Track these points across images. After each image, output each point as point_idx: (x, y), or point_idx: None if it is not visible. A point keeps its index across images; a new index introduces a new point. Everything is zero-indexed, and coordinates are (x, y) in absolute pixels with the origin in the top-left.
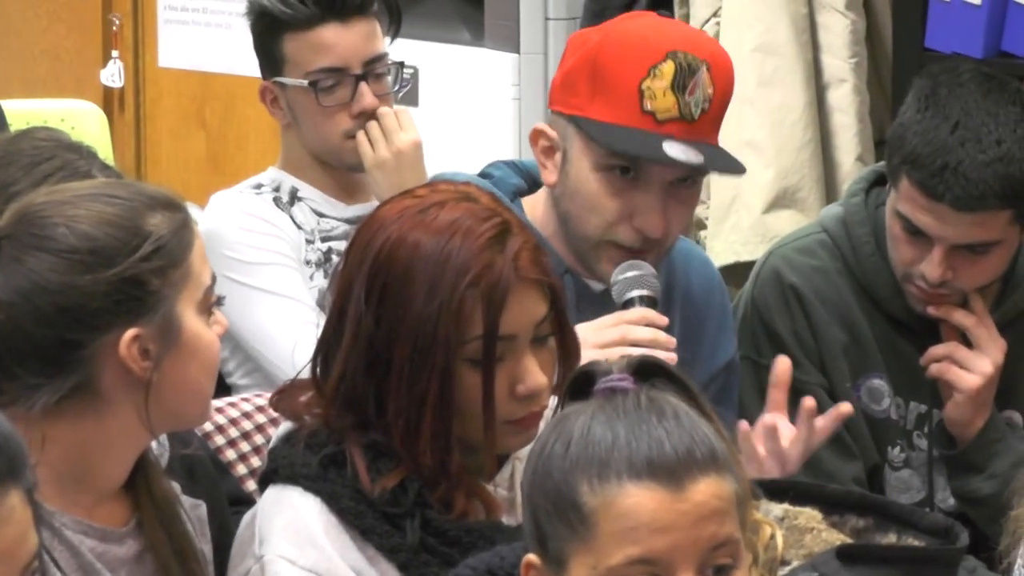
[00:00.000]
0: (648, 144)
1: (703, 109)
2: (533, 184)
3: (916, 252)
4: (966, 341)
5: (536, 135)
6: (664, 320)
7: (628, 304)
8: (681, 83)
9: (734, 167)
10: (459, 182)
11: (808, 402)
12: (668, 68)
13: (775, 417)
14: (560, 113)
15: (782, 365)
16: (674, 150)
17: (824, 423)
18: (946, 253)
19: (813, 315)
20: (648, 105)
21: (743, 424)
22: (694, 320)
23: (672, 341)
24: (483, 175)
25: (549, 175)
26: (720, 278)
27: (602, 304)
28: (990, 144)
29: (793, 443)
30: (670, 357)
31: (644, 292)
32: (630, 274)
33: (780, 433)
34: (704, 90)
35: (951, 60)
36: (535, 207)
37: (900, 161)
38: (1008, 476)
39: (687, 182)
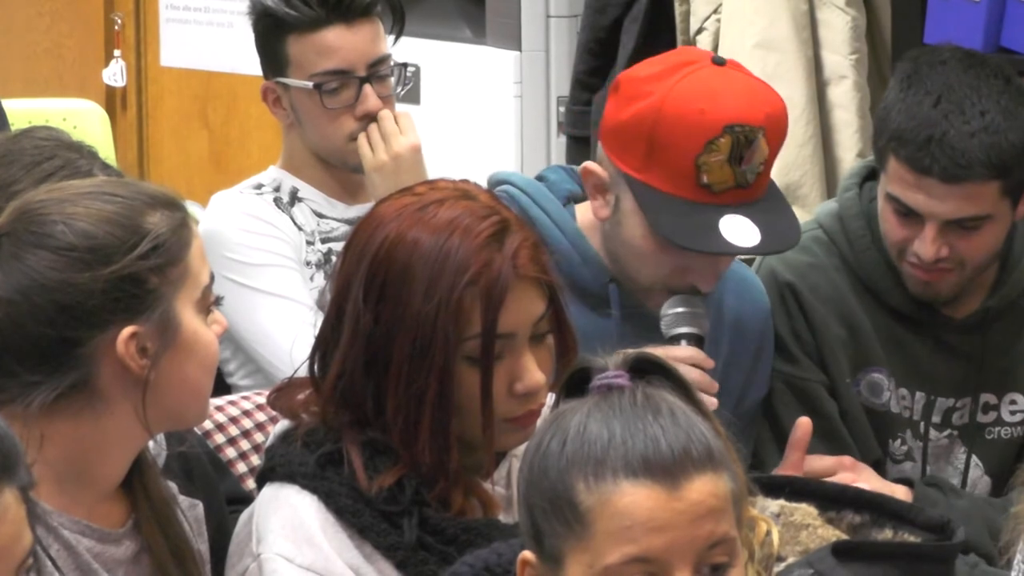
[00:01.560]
0: (704, 226)
1: (758, 172)
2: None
3: (909, 233)
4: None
5: (587, 173)
6: (711, 363)
7: (675, 339)
8: (738, 155)
9: (791, 240)
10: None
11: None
12: (725, 143)
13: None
14: (613, 163)
15: (803, 427)
16: (730, 230)
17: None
18: (938, 230)
19: (810, 312)
20: (705, 179)
21: None
22: (738, 345)
23: (715, 386)
24: (539, 178)
25: (601, 210)
26: (770, 311)
27: (648, 316)
28: (974, 115)
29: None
30: (711, 402)
31: (693, 330)
32: (681, 309)
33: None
34: (760, 155)
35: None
36: (587, 214)
37: (887, 141)
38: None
39: None
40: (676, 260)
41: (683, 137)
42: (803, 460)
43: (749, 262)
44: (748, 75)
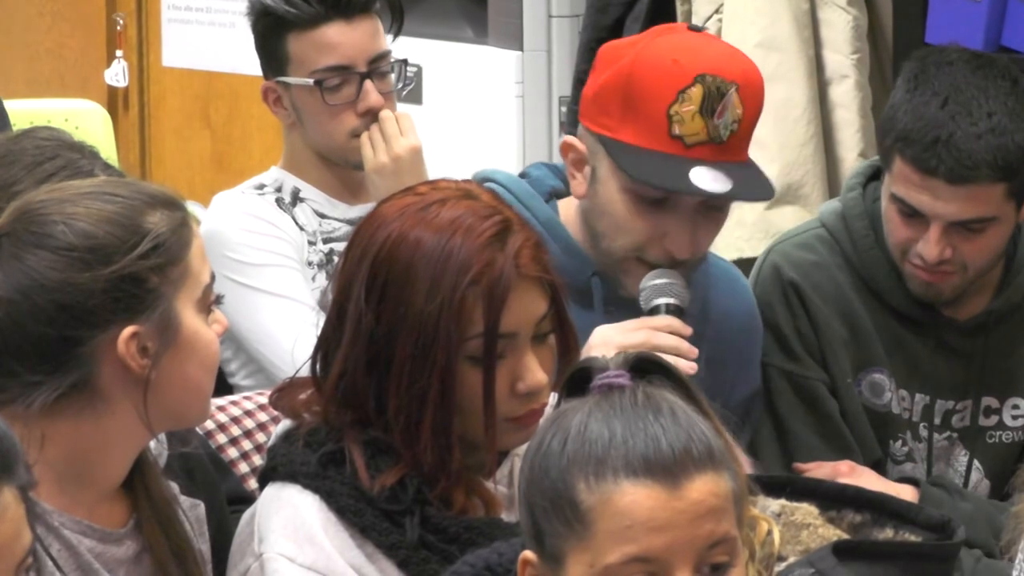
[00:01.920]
0: (676, 172)
1: (732, 130)
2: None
3: (912, 233)
4: None
5: (566, 148)
6: (688, 330)
7: (654, 311)
8: (710, 107)
9: (762, 192)
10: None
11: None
12: (696, 92)
13: None
14: (590, 130)
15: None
16: (701, 178)
17: None
18: (943, 231)
19: (813, 311)
20: (677, 130)
21: None
22: (726, 342)
23: (694, 351)
24: (521, 175)
25: (579, 187)
26: (759, 315)
27: (630, 308)
28: (981, 116)
29: None
30: (689, 367)
31: (671, 300)
32: (659, 281)
33: None
34: (733, 111)
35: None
36: (569, 209)
37: (893, 141)
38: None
39: (716, 203)
40: (652, 223)
41: (655, 87)
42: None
43: (752, 262)
44: (724, 41)
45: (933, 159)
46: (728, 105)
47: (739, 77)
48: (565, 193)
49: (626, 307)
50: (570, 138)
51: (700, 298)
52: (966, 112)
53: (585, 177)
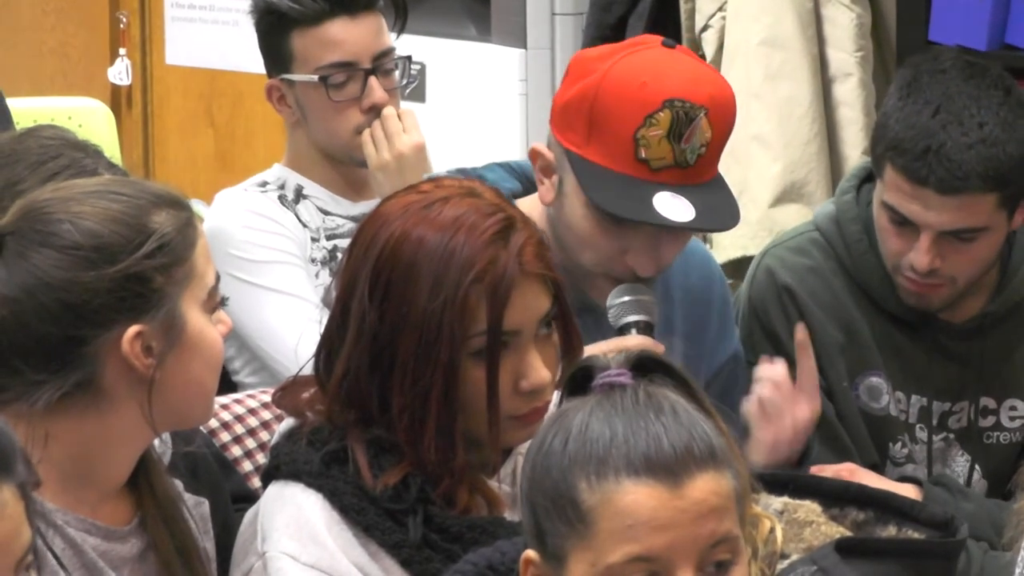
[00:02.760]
0: (639, 198)
1: (700, 154)
2: (529, 185)
3: (904, 243)
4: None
5: (534, 155)
6: (661, 347)
7: (625, 329)
8: (677, 132)
9: (726, 220)
10: (463, 177)
11: (800, 331)
12: (664, 117)
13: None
14: (558, 141)
15: (800, 330)
16: (665, 205)
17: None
18: (933, 241)
19: (808, 315)
20: (643, 153)
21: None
22: (696, 316)
23: None
24: (478, 179)
25: (546, 194)
26: (720, 271)
27: (594, 313)
28: (973, 127)
29: (805, 378)
30: None
31: (641, 318)
32: (626, 298)
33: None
34: (702, 135)
35: (933, 50)
36: (531, 211)
37: (884, 149)
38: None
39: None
40: (616, 242)
41: (623, 109)
42: (813, 364)
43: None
44: (697, 60)
45: (924, 169)
46: (696, 130)
47: (708, 101)
48: (522, 193)
49: (591, 310)
50: (539, 145)
51: (662, 279)
52: (957, 122)
53: (553, 185)
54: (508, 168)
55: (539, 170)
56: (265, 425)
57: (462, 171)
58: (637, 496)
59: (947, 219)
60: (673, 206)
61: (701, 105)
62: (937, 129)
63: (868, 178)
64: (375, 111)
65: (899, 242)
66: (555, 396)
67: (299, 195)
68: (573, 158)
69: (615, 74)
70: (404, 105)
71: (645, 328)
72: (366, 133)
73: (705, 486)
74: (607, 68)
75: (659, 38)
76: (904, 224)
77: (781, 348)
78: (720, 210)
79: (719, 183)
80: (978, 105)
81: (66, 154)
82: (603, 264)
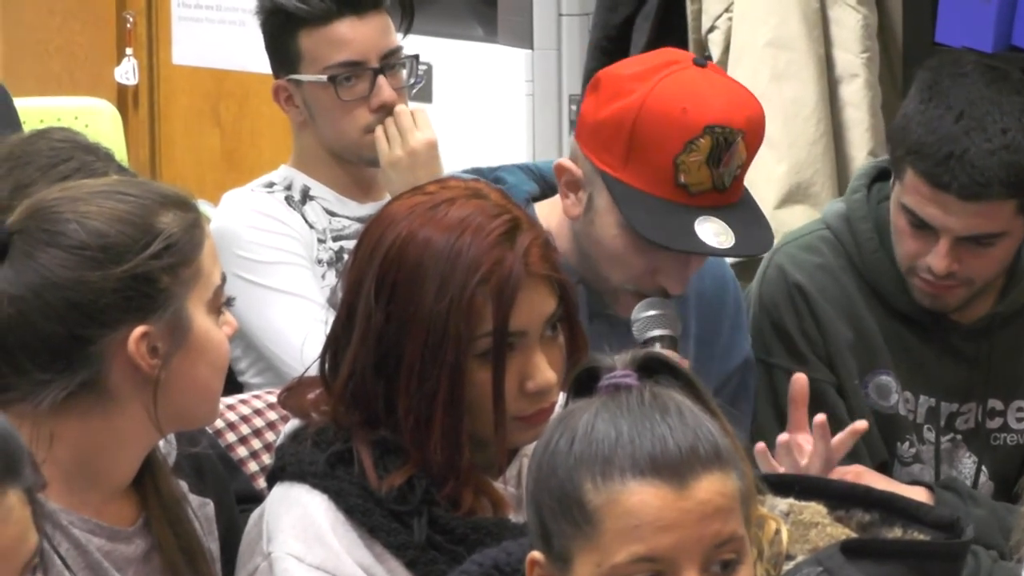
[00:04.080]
0: (681, 226)
1: (735, 176)
2: (547, 187)
3: (921, 245)
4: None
5: (561, 170)
6: (685, 362)
7: (649, 343)
8: (716, 157)
9: (763, 244)
10: (469, 178)
11: (820, 419)
12: (705, 144)
13: (794, 435)
14: (589, 160)
15: (799, 383)
16: (707, 232)
17: (841, 439)
18: (952, 245)
19: (819, 313)
20: (682, 179)
21: (759, 445)
22: (709, 320)
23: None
24: (495, 180)
25: (572, 208)
26: (733, 275)
27: (613, 324)
28: (995, 133)
29: (811, 459)
30: None
31: (666, 332)
32: (651, 312)
33: (801, 449)
34: (739, 158)
35: (953, 52)
36: (550, 214)
37: (904, 152)
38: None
39: None
40: (648, 261)
41: (664, 136)
42: (805, 417)
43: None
44: (728, 78)
45: (946, 175)
46: (734, 154)
47: (745, 124)
48: (540, 196)
49: (610, 317)
50: (566, 161)
51: None
52: (980, 128)
53: (580, 201)
54: (527, 170)
55: (564, 184)
56: (271, 426)
57: (478, 171)
58: (643, 496)
59: (967, 224)
60: (714, 232)
61: (739, 129)
62: (960, 135)
63: (879, 177)
64: (384, 110)
65: (916, 244)
66: (561, 397)
67: (305, 196)
68: (609, 180)
69: (655, 98)
70: (411, 105)
71: (669, 342)
72: (378, 130)
73: (710, 487)
74: (646, 91)
75: (689, 55)
76: (922, 227)
77: (792, 345)
78: (757, 233)
79: (749, 200)
80: (1000, 111)
81: (77, 157)
82: (632, 281)
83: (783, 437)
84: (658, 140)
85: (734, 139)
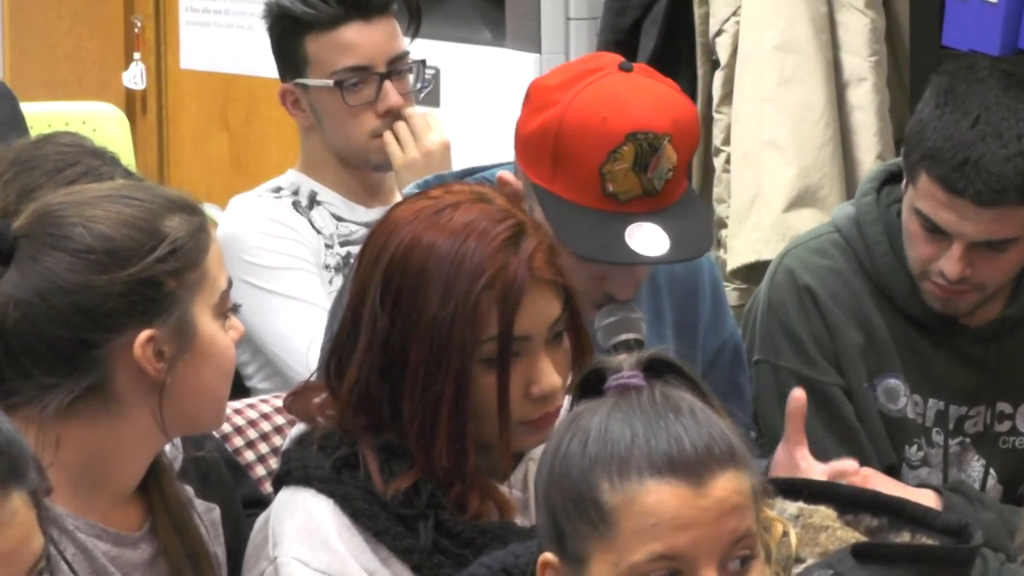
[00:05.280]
0: (611, 236)
1: (667, 178)
2: None
3: (934, 249)
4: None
5: (502, 183)
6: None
7: (615, 349)
8: (643, 163)
9: (700, 246)
10: (472, 182)
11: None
12: (628, 151)
13: (795, 452)
14: (524, 173)
15: (797, 400)
16: (638, 240)
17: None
18: (965, 250)
19: (828, 316)
20: (610, 187)
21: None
22: (686, 305)
23: None
24: (487, 180)
25: None
26: (709, 257)
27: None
28: (1011, 139)
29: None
30: None
31: (630, 336)
32: (613, 319)
33: (797, 466)
34: (668, 161)
35: (968, 57)
36: None
37: (920, 157)
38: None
39: None
40: (591, 270)
41: (586, 146)
42: (801, 431)
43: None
44: (657, 80)
45: (961, 180)
46: (661, 158)
47: (671, 127)
48: None
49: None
50: (506, 174)
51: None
52: (996, 134)
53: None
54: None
55: (507, 197)
56: (278, 430)
57: (468, 172)
58: (660, 495)
59: (982, 230)
60: (646, 239)
61: (664, 133)
62: (976, 140)
63: (888, 180)
64: (390, 115)
65: (929, 248)
66: (566, 401)
67: (313, 201)
68: (541, 193)
69: (575, 109)
70: (420, 109)
71: (636, 345)
72: (387, 134)
73: (727, 484)
74: (567, 102)
75: (616, 59)
76: (935, 231)
77: (801, 348)
78: (693, 236)
79: (688, 200)
80: (1016, 117)
81: (83, 161)
82: (581, 292)
83: (780, 455)
84: (581, 151)
85: (659, 144)
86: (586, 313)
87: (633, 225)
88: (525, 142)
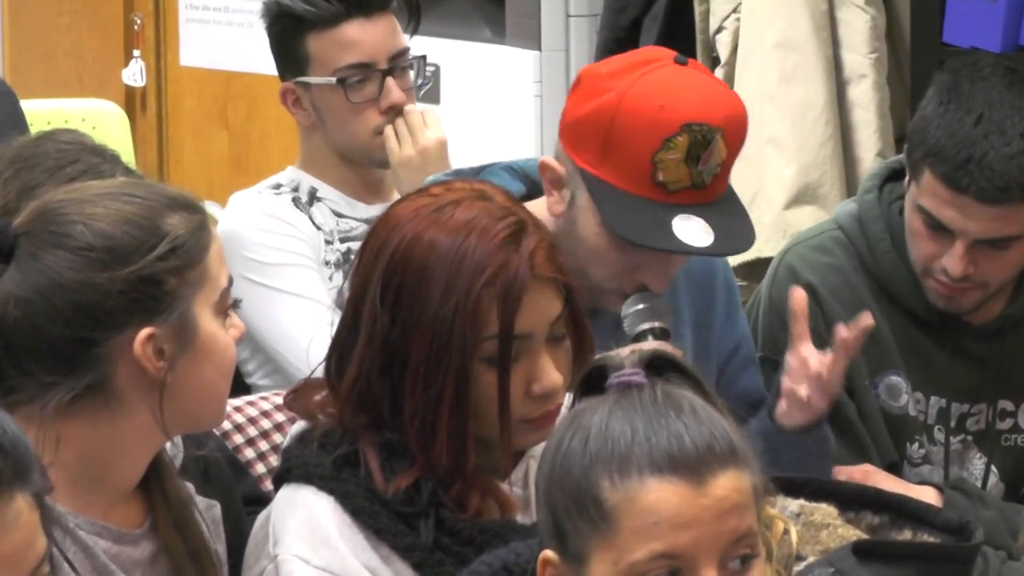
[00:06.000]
0: (658, 224)
1: (715, 173)
2: (533, 187)
3: (937, 247)
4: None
5: (543, 167)
6: (679, 352)
7: (641, 337)
8: (695, 155)
9: (744, 242)
10: (475, 180)
11: (841, 331)
12: (682, 142)
13: (801, 350)
14: (570, 157)
15: (797, 295)
16: (684, 230)
17: (848, 335)
18: (968, 247)
19: (830, 313)
20: (660, 176)
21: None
22: (702, 299)
23: None
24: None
25: (555, 205)
26: (719, 263)
27: (601, 318)
28: (1015, 136)
29: (832, 370)
30: None
31: (656, 324)
32: (641, 306)
33: (810, 362)
34: (718, 156)
35: (970, 54)
36: (537, 214)
37: (923, 155)
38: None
39: None
40: (628, 258)
41: (641, 133)
42: (805, 330)
43: (769, 262)
44: (710, 76)
45: (965, 178)
46: (713, 151)
47: (724, 122)
48: (528, 196)
49: (596, 314)
50: (549, 159)
51: None
52: (999, 131)
53: (562, 199)
54: (511, 170)
55: (548, 182)
56: (279, 427)
57: (459, 172)
58: (661, 494)
59: (985, 227)
60: (692, 230)
61: (718, 127)
62: (979, 138)
63: (890, 177)
64: (393, 111)
65: (932, 246)
66: (567, 399)
67: (313, 197)
68: (587, 177)
69: (633, 96)
70: (419, 105)
71: (661, 334)
72: (387, 129)
73: (728, 483)
74: (624, 88)
75: (671, 53)
76: (938, 228)
77: None
78: (737, 231)
79: (731, 198)
80: (1020, 114)
81: (84, 159)
82: (614, 279)
83: (792, 359)
84: (635, 138)
85: (712, 137)
86: (611, 304)
87: (682, 215)
88: (573, 126)
